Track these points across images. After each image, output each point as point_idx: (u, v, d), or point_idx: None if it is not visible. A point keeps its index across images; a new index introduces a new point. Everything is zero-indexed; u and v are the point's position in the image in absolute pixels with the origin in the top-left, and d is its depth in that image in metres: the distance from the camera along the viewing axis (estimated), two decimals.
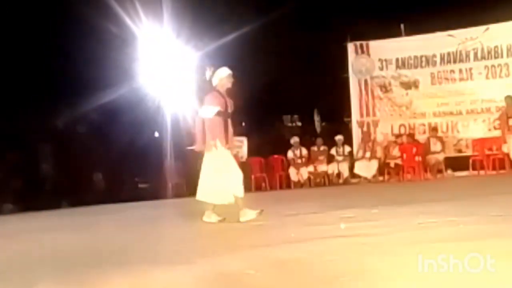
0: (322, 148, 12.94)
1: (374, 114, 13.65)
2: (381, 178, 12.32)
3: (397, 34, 13.35)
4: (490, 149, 11.88)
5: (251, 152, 13.66)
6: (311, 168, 12.65)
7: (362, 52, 13.70)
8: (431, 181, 11.47)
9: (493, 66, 12.69)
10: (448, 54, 13.04)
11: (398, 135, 13.07)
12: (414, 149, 12.13)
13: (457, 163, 12.39)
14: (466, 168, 12.03)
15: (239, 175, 5.61)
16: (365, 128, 13.53)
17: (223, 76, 5.77)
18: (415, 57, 13.29)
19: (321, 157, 12.72)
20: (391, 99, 13.54)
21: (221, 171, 5.56)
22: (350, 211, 5.49)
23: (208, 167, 5.65)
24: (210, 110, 5.65)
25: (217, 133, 5.64)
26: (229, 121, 5.80)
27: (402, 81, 13.42)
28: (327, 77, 14.32)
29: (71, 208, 11.28)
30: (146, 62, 13.02)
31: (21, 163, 12.39)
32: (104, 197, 11.89)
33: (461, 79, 13.00)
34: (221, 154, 5.62)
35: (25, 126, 12.64)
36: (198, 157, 5.90)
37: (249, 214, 5.43)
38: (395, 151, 12.34)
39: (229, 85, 5.83)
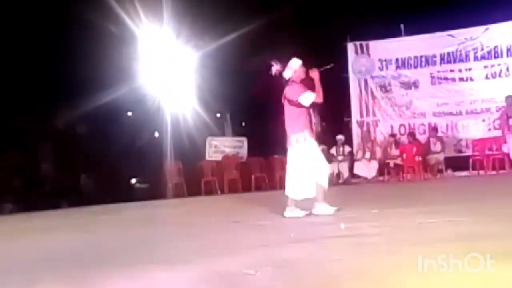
0: (321, 148, 12.92)
1: (374, 114, 13.65)
2: (381, 178, 12.32)
3: (397, 34, 13.35)
4: (490, 149, 11.89)
5: (251, 152, 13.67)
6: None
7: (362, 52, 13.70)
8: (431, 181, 11.47)
9: (493, 66, 12.69)
10: (448, 54, 13.05)
11: (396, 135, 13.05)
12: (414, 149, 12.13)
13: (457, 163, 12.40)
14: (466, 168, 12.03)
15: (326, 166, 5.59)
16: (365, 128, 13.53)
17: (297, 67, 5.73)
18: (415, 57, 13.29)
19: None
20: (391, 99, 13.54)
21: (308, 164, 5.49)
22: (350, 211, 5.49)
23: (295, 161, 5.58)
24: (309, 97, 5.55)
25: (305, 123, 5.59)
26: (311, 111, 5.72)
27: (402, 81, 13.42)
28: (327, 77, 14.29)
29: (71, 208, 11.28)
30: (146, 62, 13.02)
31: (21, 163, 12.39)
32: (103, 197, 11.89)
33: (461, 79, 13.01)
34: (308, 146, 5.55)
35: (25, 126, 12.64)
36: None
37: (325, 208, 5.37)
38: (395, 151, 12.35)
39: (303, 75, 5.78)
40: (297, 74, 5.73)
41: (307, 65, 5.83)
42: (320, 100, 5.69)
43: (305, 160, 5.51)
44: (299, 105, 5.60)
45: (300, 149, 5.55)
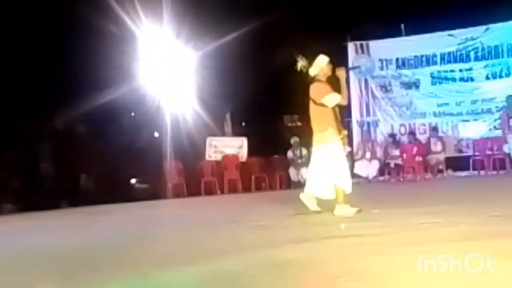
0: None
1: (374, 114, 13.65)
2: (381, 178, 12.31)
3: (397, 34, 13.35)
4: (491, 149, 11.89)
5: (251, 152, 13.67)
6: None
7: (362, 52, 13.70)
8: (432, 181, 11.46)
9: (493, 66, 12.69)
10: (449, 54, 13.05)
11: (396, 135, 13.05)
12: (415, 149, 12.13)
13: (457, 163, 12.40)
14: (466, 168, 12.03)
15: (347, 169, 5.52)
16: (365, 128, 13.53)
17: (323, 64, 5.59)
18: (415, 57, 13.29)
19: None
20: (391, 99, 13.54)
21: (329, 166, 5.42)
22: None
23: (318, 161, 5.53)
24: (334, 98, 5.46)
25: (330, 123, 5.49)
26: (337, 110, 5.62)
27: (402, 81, 13.42)
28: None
29: (70, 208, 11.28)
30: (146, 62, 13.02)
31: (21, 163, 12.37)
32: (103, 197, 11.87)
33: (461, 79, 13.01)
34: (333, 146, 5.47)
35: (25, 126, 12.63)
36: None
37: (346, 210, 5.30)
38: (395, 151, 12.35)
39: (329, 72, 5.64)
40: (324, 72, 5.60)
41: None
42: (345, 102, 5.63)
43: (327, 161, 5.44)
44: (323, 105, 5.50)
45: (323, 149, 5.48)
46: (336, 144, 5.49)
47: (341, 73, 5.62)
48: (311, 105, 5.64)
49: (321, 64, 5.59)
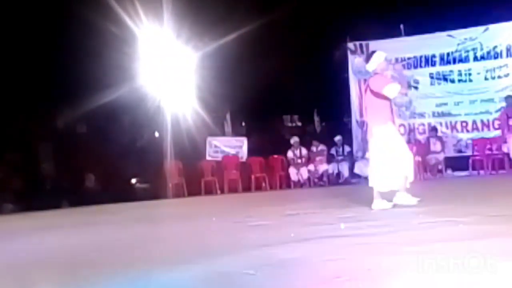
0: (319, 148, 12.93)
1: None
2: None
3: (397, 34, 13.35)
4: (490, 149, 11.89)
5: (251, 152, 13.68)
6: (311, 168, 12.65)
7: (362, 52, 13.70)
8: (431, 181, 11.47)
9: (492, 66, 12.69)
10: (448, 54, 13.05)
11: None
12: (414, 149, 12.12)
13: (457, 163, 12.40)
14: (466, 168, 12.04)
15: (410, 156, 5.59)
16: (365, 128, 13.51)
17: (381, 60, 5.74)
18: (415, 57, 13.29)
19: (319, 158, 12.71)
20: (391, 99, 13.53)
21: (392, 156, 5.50)
22: (350, 211, 5.49)
23: (380, 153, 5.59)
24: (395, 89, 5.56)
25: (389, 115, 5.61)
26: (392, 103, 5.75)
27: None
28: (327, 77, 14.32)
29: (71, 208, 11.29)
30: (146, 62, 13.02)
31: (21, 163, 12.38)
32: (103, 197, 11.88)
33: (460, 79, 13.01)
34: (392, 138, 5.57)
35: (25, 126, 12.64)
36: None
37: (407, 199, 5.37)
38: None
39: (386, 67, 5.83)
40: (381, 67, 5.73)
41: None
42: (404, 91, 5.79)
43: (389, 152, 5.51)
44: (383, 97, 5.59)
45: (384, 141, 5.55)
46: (396, 135, 5.64)
47: (398, 66, 5.88)
48: (370, 98, 5.73)
49: (378, 60, 5.72)
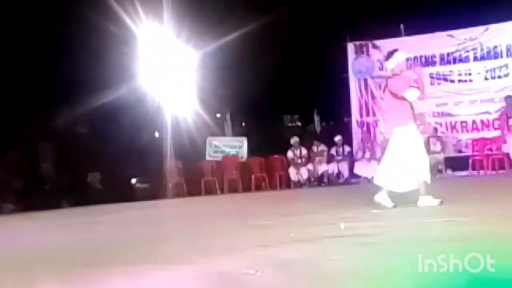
0: (320, 148, 12.92)
1: (374, 114, 13.64)
2: None
3: (397, 34, 13.35)
4: (490, 149, 11.89)
5: (251, 152, 13.68)
6: (311, 168, 12.64)
7: (362, 52, 13.70)
8: (431, 181, 11.45)
9: (492, 66, 12.69)
10: (448, 54, 13.04)
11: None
12: None
13: (457, 163, 12.39)
14: (466, 168, 12.03)
15: (426, 159, 5.59)
16: (365, 128, 13.53)
17: (401, 60, 5.73)
18: (415, 57, 13.27)
19: (318, 158, 12.70)
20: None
21: (409, 158, 5.50)
22: (350, 211, 5.49)
23: (395, 151, 5.59)
24: (415, 94, 5.56)
25: (409, 116, 5.60)
26: (413, 104, 5.73)
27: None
28: (327, 77, 14.33)
29: (71, 208, 11.29)
30: (146, 62, 13.02)
31: (21, 163, 12.38)
32: (103, 197, 11.89)
33: (460, 80, 13.00)
34: (411, 140, 5.55)
35: (25, 126, 12.63)
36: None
37: (429, 201, 5.39)
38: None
39: (405, 68, 5.82)
40: (400, 67, 5.72)
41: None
42: (423, 96, 5.74)
43: (407, 153, 5.52)
44: (403, 99, 5.58)
45: (403, 142, 5.55)
46: (416, 137, 5.61)
47: (418, 69, 5.95)
48: (389, 99, 5.73)
49: (399, 59, 5.71)
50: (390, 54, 5.80)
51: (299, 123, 19.89)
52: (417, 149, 5.56)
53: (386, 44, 13.52)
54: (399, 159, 5.57)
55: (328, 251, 3.31)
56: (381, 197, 5.59)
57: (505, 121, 11.34)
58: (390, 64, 5.72)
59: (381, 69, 13.59)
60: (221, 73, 12.60)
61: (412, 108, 5.66)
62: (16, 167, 12.23)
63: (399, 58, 5.70)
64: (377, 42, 13.54)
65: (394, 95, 5.62)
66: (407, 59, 12.95)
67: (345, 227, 4.29)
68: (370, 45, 13.61)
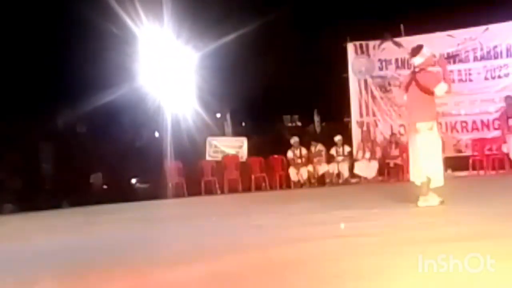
0: (318, 148, 12.91)
1: (373, 114, 13.64)
2: (381, 178, 12.31)
3: (397, 34, 13.34)
4: (490, 149, 11.88)
5: (251, 152, 13.67)
6: (310, 168, 12.64)
7: (362, 52, 13.70)
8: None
9: (492, 66, 12.69)
10: (448, 54, 13.03)
11: (395, 135, 13.02)
12: None
13: (456, 163, 12.38)
14: (465, 168, 12.02)
15: (441, 163, 5.63)
16: (364, 128, 13.52)
17: (428, 55, 5.80)
18: None
19: (317, 159, 12.70)
20: (391, 99, 13.53)
21: (425, 155, 5.52)
22: (350, 211, 5.49)
23: (418, 148, 5.60)
24: (445, 88, 5.60)
25: (433, 111, 5.65)
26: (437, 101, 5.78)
27: (402, 81, 13.40)
28: (327, 77, 14.33)
29: (71, 208, 11.28)
30: (146, 62, 13.02)
31: (21, 163, 12.38)
32: (103, 197, 11.88)
33: (460, 79, 12.99)
34: (432, 138, 5.59)
35: (25, 126, 12.63)
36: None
37: (430, 201, 5.41)
38: (395, 151, 12.36)
39: (433, 63, 5.90)
40: (428, 62, 5.77)
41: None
42: (450, 90, 5.80)
43: (425, 150, 5.53)
44: (432, 93, 5.60)
45: (425, 138, 5.57)
46: (436, 136, 5.65)
47: (443, 62, 5.99)
48: (417, 93, 5.70)
49: (426, 55, 5.77)
50: (416, 50, 5.82)
51: (299, 123, 19.87)
52: (434, 149, 5.57)
53: (386, 44, 13.53)
54: (419, 154, 5.59)
55: (328, 251, 3.31)
56: (428, 200, 5.52)
57: (505, 121, 11.34)
58: (417, 60, 5.75)
59: (381, 69, 13.61)
60: (221, 73, 12.60)
61: (435, 105, 5.71)
62: (16, 167, 12.23)
63: (426, 53, 5.77)
64: (377, 42, 13.53)
65: (425, 89, 5.62)
66: (401, 59, 13.14)
67: (345, 227, 4.30)
68: (370, 45, 13.60)
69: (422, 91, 5.64)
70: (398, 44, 6.51)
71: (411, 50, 5.96)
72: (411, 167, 5.78)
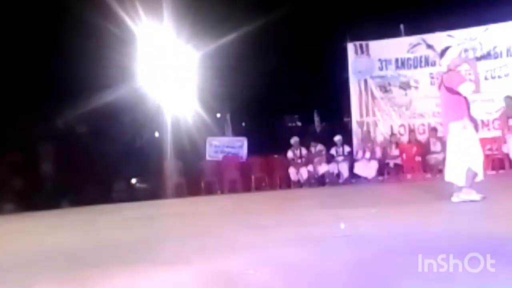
0: (318, 148, 12.90)
1: (373, 114, 13.64)
2: (381, 178, 12.31)
3: (397, 34, 13.34)
4: (490, 149, 11.88)
5: (251, 152, 13.67)
6: (311, 168, 12.64)
7: (362, 52, 13.69)
8: (431, 181, 11.46)
9: (492, 66, 12.68)
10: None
11: (395, 135, 13.01)
12: (414, 149, 12.13)
13: None
14: None
15: (481, 155, 5.64)
16: (365, 128, 13.52)
17: (455, 55, 5.87)
18: (415, 57, 13.28)
19: (317, 159, 12.69)
20: (391, 99, 13.53)
21: (463, 152, 5.54)
22: (350, 211, 5.50)
23: (453, 148, 5.63)
24: (470, 87, 5.64)
25: (465, 111, 5.65)
26: (468, 98, 5.79)
27: (402, 81, 13.41)
28: (327, 77, 14.33)
29: (71, 207, 11.29)
30: (146, 62, 13.03)
31: (21, 163, 12.38)
32: (103, 197, 11.88)
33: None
34: (467, 135, 5.60)
35: (25, 126, 12.64)
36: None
37: (472, 195, 5.40)
38: (395, 151, 12.36)
39: (460, 63, 5.96)
40: (455, 62, 5.83)
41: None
42: (478, 89, 5.84)
43: (462, 148, 5.56)
44: (458, 93, 5.64)
45: (459, 137, 5.59)
46: (471, 132, 5.66)
47: (472, 63, 6.13)
48: (445, 94, 5.77)
49: (453, 56, 5.84)
50: (444, 52, 5.91)
51: (299, 123, 19.88)
52: (471, 145, 5.59)
53: (386, 44, 13.54)
54: (455, 154, 5.61)
55: (328, 251, 3.32)
56: (463, 195, 5.52)
57: (505, 121, 11.34)
58: (445, 61, 5.83)
59: (381, 69, 13.61)
60: (221, 73, 12.61)
61: (467, 103, 5.72)
62: (16, 167, 12.23)
63: (453, 54, 5.84)
64: (378, 42, 13.53)
65: (450, 89, 5.67)
66: (401, 59, 13.15)
67: (345, 227, 4.30)
68: (370, 45, 13.60)
69: (447, 92, 5.70)
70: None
71: (440, 52, 6.01)
72: (446, 166, 5.79)
